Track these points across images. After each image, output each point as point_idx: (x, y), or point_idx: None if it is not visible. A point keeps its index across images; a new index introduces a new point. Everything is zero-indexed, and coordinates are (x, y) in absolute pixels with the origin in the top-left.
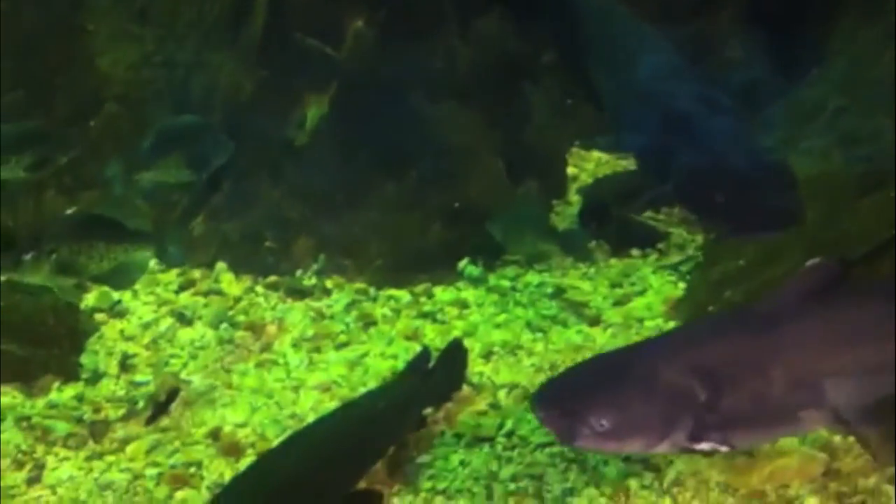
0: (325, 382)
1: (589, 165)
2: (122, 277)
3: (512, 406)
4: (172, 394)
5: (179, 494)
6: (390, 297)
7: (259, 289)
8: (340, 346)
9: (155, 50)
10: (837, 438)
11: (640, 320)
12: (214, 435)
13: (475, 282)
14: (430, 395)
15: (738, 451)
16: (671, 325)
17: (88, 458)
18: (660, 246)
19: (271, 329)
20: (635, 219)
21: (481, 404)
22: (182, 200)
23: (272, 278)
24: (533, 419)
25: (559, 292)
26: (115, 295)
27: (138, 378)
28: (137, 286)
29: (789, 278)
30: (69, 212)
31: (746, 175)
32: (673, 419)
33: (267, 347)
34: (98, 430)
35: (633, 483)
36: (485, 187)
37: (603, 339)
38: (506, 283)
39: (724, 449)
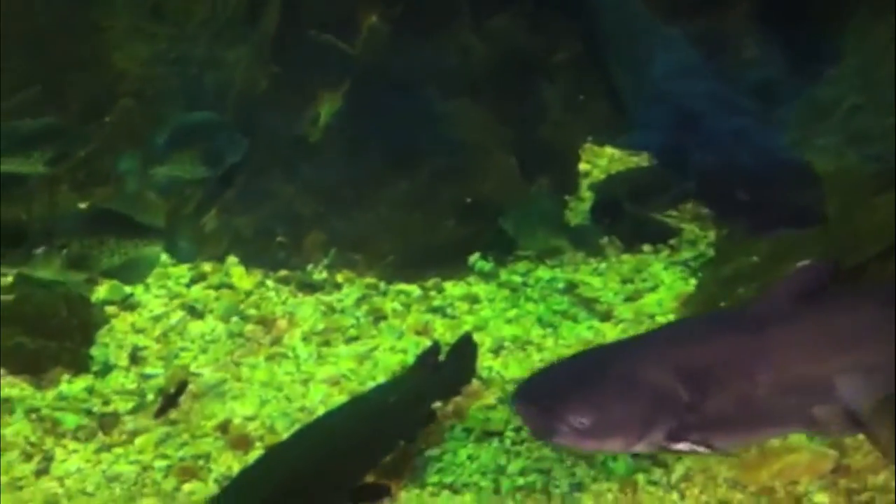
0: (335, 376)
1: (601, 161)
2: (132, 272)
3: None
4: (182, 386)
5: (187, 487)
6: (400, 292)
7: (270, 283)
8: (350, 340)
9: (169, 47)
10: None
11: (652, 316)
12: (223, 428)
13: (486, 277)
14: (440, 389)
15: (719, 451)
16: None
17: (97, 451)
18: (671, 242)
19: (282, 323)
20: (647, 215)
21: (490, 399)
22: (195, 195)
23: (283, 272)
24: None
25: (570, 288)
26: (127, 288)
27: (148, 371)
28: (149, 279)
29: (779, 280)
30: (82, 206)
31: (769, 173)
32: (653, 419)
33: (277, 341)
34: (107, 422)
35: (640, 478)
36: (497, 183)
37: (614, 335)
38: (517, 279)
39: (702, 450)
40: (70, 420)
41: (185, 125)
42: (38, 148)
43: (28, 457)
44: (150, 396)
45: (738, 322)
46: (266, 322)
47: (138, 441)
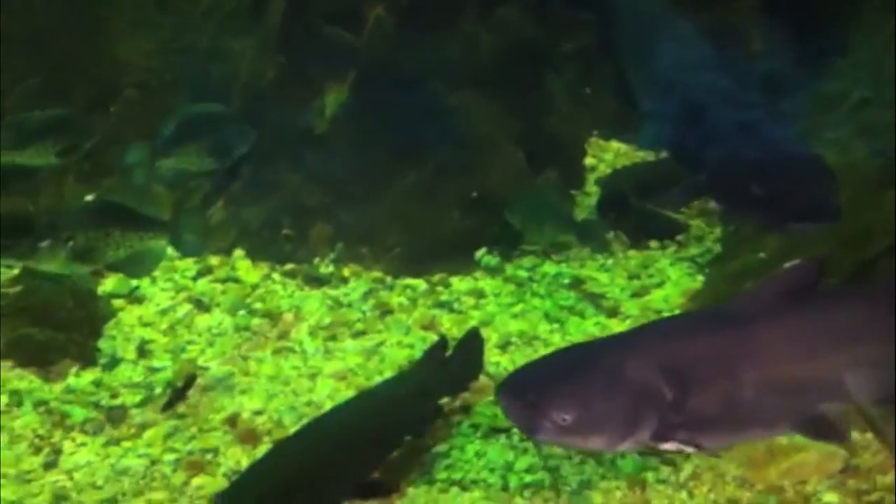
0: (342, 371)
1: (608, 156)
2: (138, 266)
3: None
4: (190, 380)
5: (196, 481)
6: (407, 287)
7: (276, 276)
8: (357, 335)
9: (174, 37)
10: (856, 434)
11: (658, 312)
12: (231, 422)
13: (492, 272)
14: (447, 384)
15: (708, 450)
16: None
17: (105, 444)
18: (679, 238)
19: (288, 317)
20: (654, 210)
21: None
22: (201, 188)
23: (289, 266)
24: None
25: (577, 283)
26: (133, 281)
27: (156, 364)
28: (156, 272)
29: (766, 279)
30: (89, 198)
31: (783, 167)
32: (637, 418)
33: (284, 335)
34: (115, 415)
35: (649, 476)
36: (503, 177)
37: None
38: (523, 274)
39: (689, 450)
40: (78, 413)
41: (191, 117)
42: (47, 140)
43: (37, 450)
44: (158, 390)
45: (723, 320)
46: (273, 316)
47: (147, 434)
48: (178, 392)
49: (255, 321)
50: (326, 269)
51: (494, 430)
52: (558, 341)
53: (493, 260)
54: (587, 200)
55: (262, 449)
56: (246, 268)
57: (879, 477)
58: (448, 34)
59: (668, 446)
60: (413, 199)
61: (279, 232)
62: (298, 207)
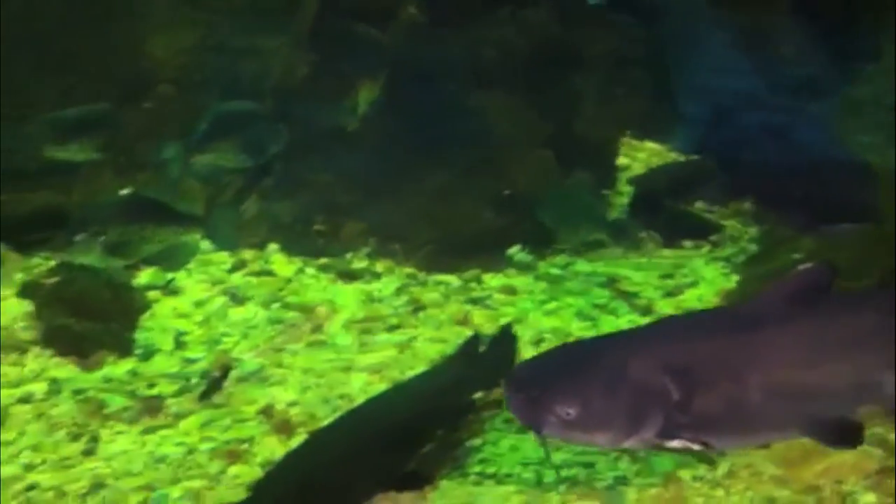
0: (375, 364)
1: (641, 156)
2: (171, 260)
3: None
4: (225, 371)
5: (232, 469)
6: (439, 283)
7: (310, 270)
8: (390, 329)
9: (207, 34)
10: (892, 435)
11: None
12: (266, 412)
13: (524, 269)
14: (480, 379)
15: (715, 450)
16: None
17: (142, 432)
18: (713, 238)
19: (322, 310)
20: (687, 210)
21: None
22: (234, 183)
23: (323, 260)
24: None
25: (610, 281)
26: (169, 273)
27: (191, 355)
28: (191, 265)
29: (776, 281)
30: (123, 193)
31: (824, 169)
32: (642, 415)
33: (317, 328)
34: (152, 404)
35: (685, 474)
36: (534, 176)
37: None
38: (556, 271)
39: (696, 447)
40: (116, 402)
41: (225, 114)
42: (87, 134)
43: (75, 437)
44: (194, 380)
45: (731, 321)
46: (306, 309)
47: (183, 424)
48: (213, 383)
49: (289, 314)
50: (360, 264)
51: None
52: None
53: (525, 257)
54: (620, 200)
55: (297, 440)
56: (280, 262)
57: None
58: (480, 33)
59: (674, 444)
60: (445, 196)
61: (312, 227)
62: (331, 203)
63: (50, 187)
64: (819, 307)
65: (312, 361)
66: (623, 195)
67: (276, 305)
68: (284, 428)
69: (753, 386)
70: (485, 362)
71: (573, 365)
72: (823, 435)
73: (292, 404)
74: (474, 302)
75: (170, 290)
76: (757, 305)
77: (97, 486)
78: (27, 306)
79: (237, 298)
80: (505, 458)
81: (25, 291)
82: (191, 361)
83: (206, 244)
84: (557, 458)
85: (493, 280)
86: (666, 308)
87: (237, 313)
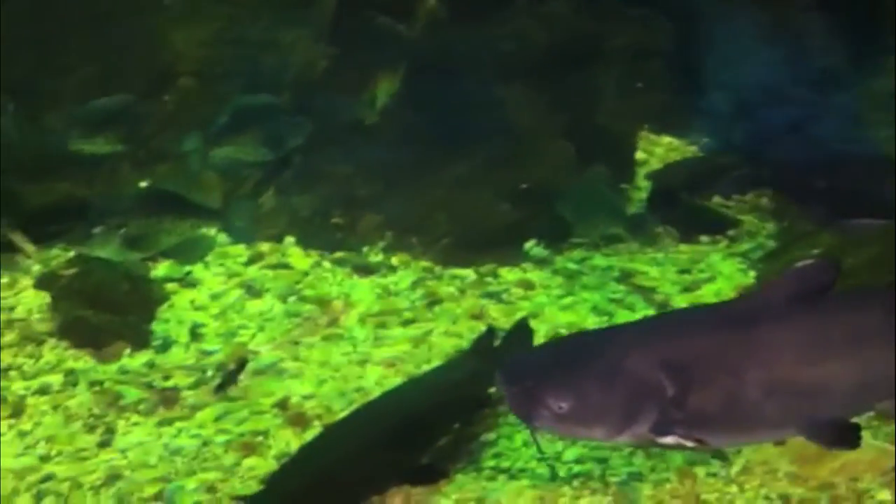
0: (391, 358)
1: (658, 150)
2: (189, 253)
3: None
4: (242, 364)
5: (247, 462)
6: (455, 277)
7: (326, 264)
8: (406, 323)
9: (228, 27)
10: None
11: None
12: (282, 405)
13: (541, 263)
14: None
15: (710, 448)
16: None
17: (158, 424)
18: (730, 233)
19: (338, 304)
20: (705, 205)
21: None
22: (252, 176)
23: (339, 254)
24: None
25: (626, 276)
26: (186, 265)
27: (207, 347)
28: (208, 258)
29: (776, 277)
30: (143, 185)
31: (848, 162)
32: (636, 410)
33: (333, 322)
34: (168, 396)
35: (699, 470)
36: (552, 169)
37: None
38: (573, 266)
39: (690, 444)
40: (132, 393)
41: (246, 107)
42: (112, 127)
43: (91, 428)
44: (210, 373)
45: (729, 317)
46: (322, 302)
47: (199, 416)
48: (229, 375)
49: (306, 307)
50: (376, 257)
51: None
52: None
53: (542, 252)
54: (637, 194)
55: (312, 432)
56: (296, 255)
57: None
58: (499, 26)
59: (669, 441)
60: (462, 189)
61: (329, 220)
62: (348, 197)
63: (69, 179)
64: (819, 304)
65: (328, 355)
66: (641, 189)
67: (292, 298)
68: (300, 421)
69: (750, 383)
70: (500, 357)
71: (568, 358)
72: (821, 435)
73: (308, 397)
74: (490, 296)
75: (187, 282)
76: (756, 301)
77: (113, 477)
78: (44, 298)
79: (254, 291)
80: (519, 453)
81: (43, 283)
82: (207, 354)
83: (223, 237)
84: (571, 453)
85: (509, 274)
86: (682, 303)
87: (254, 306)
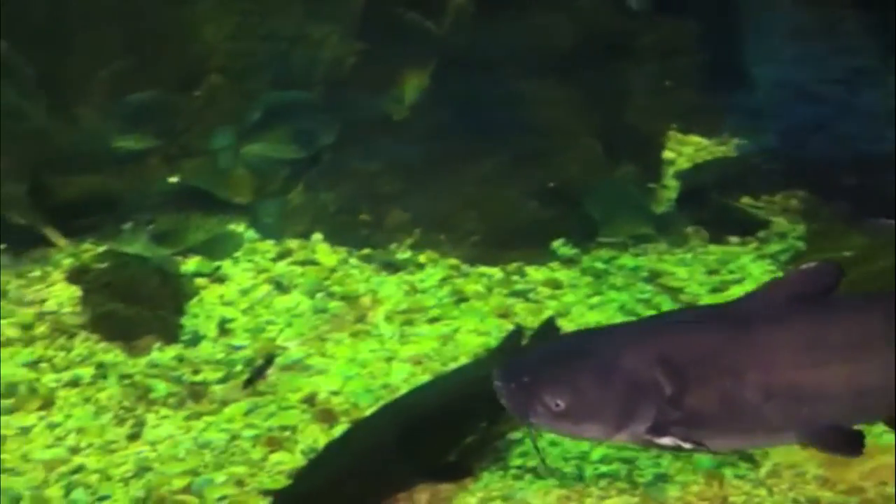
0: (417, 355)
1: (687, 150)
2: (217, 249)
3: None
4: (270, 359)
5: (274, 457)
6: (482, 275)
7: (353, 260)
8: (433, 321)
9: (258, 22)
10: None
11: None
12: (309, 401)
13: (568, 262)
14: None
15: (708, 449)
16: None
17: (187, 418)
18: (760, 234)
19: (365, 301)
20: (735, 206)
21: None
22: (281, 172)
23: (366, 251)
24: None
25: (654, 276)
26: (216, 261)
27: (236, 342)
28: (237, 254)
29: (777, 279)
30: (173, 180)
31: (876, 162)
32: (633, 409)
33: (361, 318)
34: (197, 390)
35: (727, 472)
36: (581, 168)
37: None
38: (600, 265)
39: (687, 446)
40: (161, 387)
41: (277, 104)
42: (147, 122)
43: (121, 421)
44: (238, 367)
45: (728, 318)
46: (350, 299)
47: (227, 410)
48: (257, 370)
49: (333, 304)
50: (403, 254)
51: None
52: None
53: (569, 251)
54: (666, 194)
55: (339, 428)
56: (324, 251)
57: None
58: (528, 22)
59: (666, 441)
60: (490, 187)
61: (357, 217)
62: (376, 193)
63: (100, 173)
64: (821, 308)
65: (355, 351)
66: (669, 189)
67: (320, 295)
68: (327, 417)
69: (749, 385)
70: None
71: (565, 356)
72: (822, 441)
73: (335, 393)
74: (517, 295)
75: (216, 277)
76: (756, 302)
77: (142, 469)
78: (76, 291)
79: (282, 287)
80: (546, 453)
81: (74, 276)
82: (236, 349)
83: (251, 233)
84: (597, 453)
85: (536, 273)
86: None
87: (282, 302)
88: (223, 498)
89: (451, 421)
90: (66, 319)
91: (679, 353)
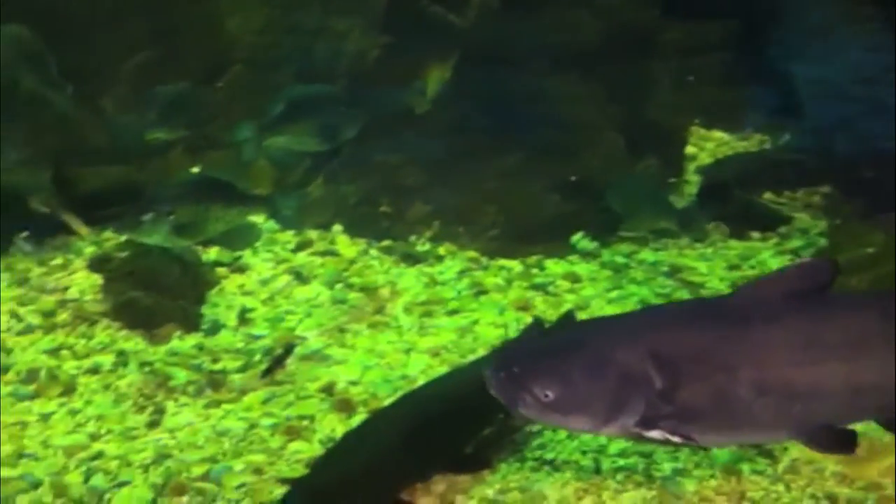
0: (436, 347)
1: (709, 145)
2: (236, 240)
3: None
4: (289, 349)
5: (293, 445)
6: (502, 268)
7: (373, 252)
8: (451, 313)
9: (282, 15)
10: None
11: None
12: (328, 390)
13: (588, 256)
14: None
15: (697, 444)
16: None
17: (206, 406)
18: (781, 230)
19: (384, 292)
20: (756, 201)
21: None
22: (302, 164)
23: (386, 243)
24: None
25: (675, 271)
26: (236, 251)
27: (255, 332)
28: (257, 244)
29: (771, 274)
30: (195, 170)
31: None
32: (623, 402)
33: (380, 310)
34: (216, 379)
35: (745, 467)
36: (602, 162)
37: None
38: (620, 260)
39: (676, 440)
40: (181, 375)
41: (301, 96)
42: (178, 114)
43: (141, 408)
44: (257, 357)
45: (722, 312)
46: (369, 290)
47: (246, 399)
48: (276, 360)
49: (352, 295)
50: (423, 247)
51: None
52: None
53: (589, 244)
54: (687, 189)
55: (357, 418)
56: (344, 243)
57: None
58: (552, 16)
59: (655, 434)
60: (511, 180)
61: (377, 209)
62: (396, 185)
63: (124, 163)
64: (815, 304)
65: (374, 342)
66: (690, 184)
67: (339, 286)
68: (345, 406)
69: (741, 381)
70: None
71: (556, 347)
72: (815, 440)
73: (353, 383)
74: (536, 288)
75: (236, 267)
76: (750, 297)
77: (161, 456)
78: (97, 279)
79: (302, 277)
80: (563, 445)
81: (96, 265)
82: (255, 338)
83: (271, 224)
84: (615, 447)
85: (555, 266)
86: None
87: (301, 292)
88: (241, 486)
89: (469, 413)
90: (87, 307)
91: (671, 347)
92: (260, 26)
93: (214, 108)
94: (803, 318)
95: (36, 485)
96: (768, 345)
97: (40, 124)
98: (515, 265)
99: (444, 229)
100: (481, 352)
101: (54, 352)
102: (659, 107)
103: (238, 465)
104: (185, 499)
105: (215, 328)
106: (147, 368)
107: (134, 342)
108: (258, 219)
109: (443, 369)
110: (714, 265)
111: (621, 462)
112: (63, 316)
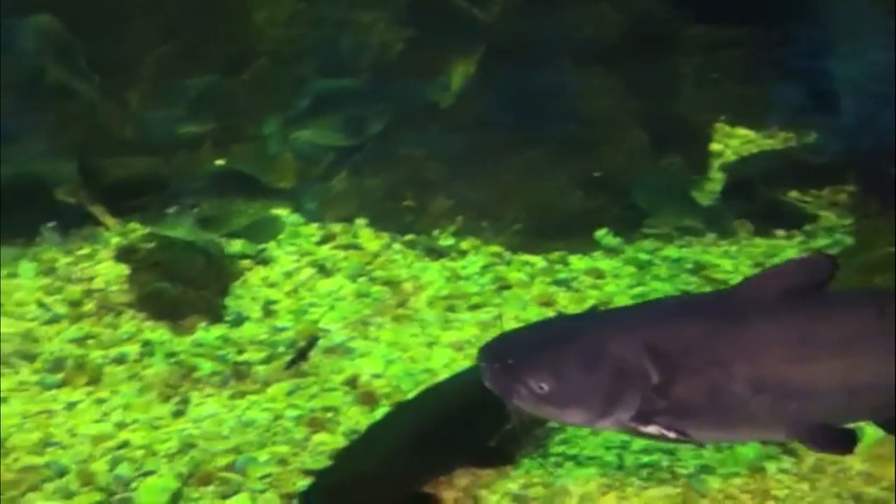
0: (459, 341)
1: (734, 142)
2: (259, 233)
3: None
4: (312, 341)
5: (317, 437)
6: (525, 263)
7: (396, 246)
8: (474, 307)
9: (307, 8)
10: None
11: None
12: (351, 383)
13: (611, 252)
14: None
15: (692, 441)
16: None
17: (231, 397)
18: (807, 228)
19: (407, 286)
20: (782, 199)
21: None
22: (326, 157)
23: (410, 236)
24: None
25: (699, 268)
26: (261, 243)
27: (279, 324)
28: (281, 236)
29: (768, 270)
30: (219, 163)
31: None
32: (617, 395)
33: (403, 303)
34: (241, 370)
35: (770, 466)
36: (627, 158)
37: None
38: (644, 256)
39: (672, 435)
40: (206, 366)
41: (327, 90)
42: (208, 107)
43: (166, 398)
44: (281, 348)
45: (719, 308)
46: (392, 284)
47: (270, 390)
48: (300, 352)
49: (375, 288)
50: (446, 241)
51: None
52: None
53: (613, 240)
54: (711, 186)
55: (381, 411)
56: (367, 236)
57: None
58: (576, 11)
59: (650, 430)
60: (535, 175)
61: (401, 203)
62: (420, 180)
63: (150, 155)
64: (812, 302)
65: (397, 335)
66: (715, 181)
67: (362, 279)
68: (369, 399)
69: (737, 377)
70: None
71: (552, 339)
72: (811, 438)
73: (377, 376)
74: (559, 283)
75: (260, 259)
76: (747, 293)
77: (186, 446)
78: (123, 270)
79: (325, 270)
80: (587, 441)
81: (122, 255)
82: (279, 330)
83: (295, 217)
84: (638, 443)
85: (579, 262)
86: None
87: (325, 285)
88: (266, 476)
89: (492, 407)
90: (113, 297)
91: (667, 342)
92: (286, 19)
93: (239, 101)
94: (801, 315)
95: (62, 473)
96: (765, 342)
97: (67, 114)
98: (539, 260)
99: (468, 224)
100: None
101: (81, 341)
102: (683, 103)
103: (262, 456)
104: (210, 488)
105: (239, 320)
106: (172, 359)
107: (159, 332)
108: (282, 212)
109: (466, 363)
110: (738, 263)
111: (645, 458)
112: (89, 306)
